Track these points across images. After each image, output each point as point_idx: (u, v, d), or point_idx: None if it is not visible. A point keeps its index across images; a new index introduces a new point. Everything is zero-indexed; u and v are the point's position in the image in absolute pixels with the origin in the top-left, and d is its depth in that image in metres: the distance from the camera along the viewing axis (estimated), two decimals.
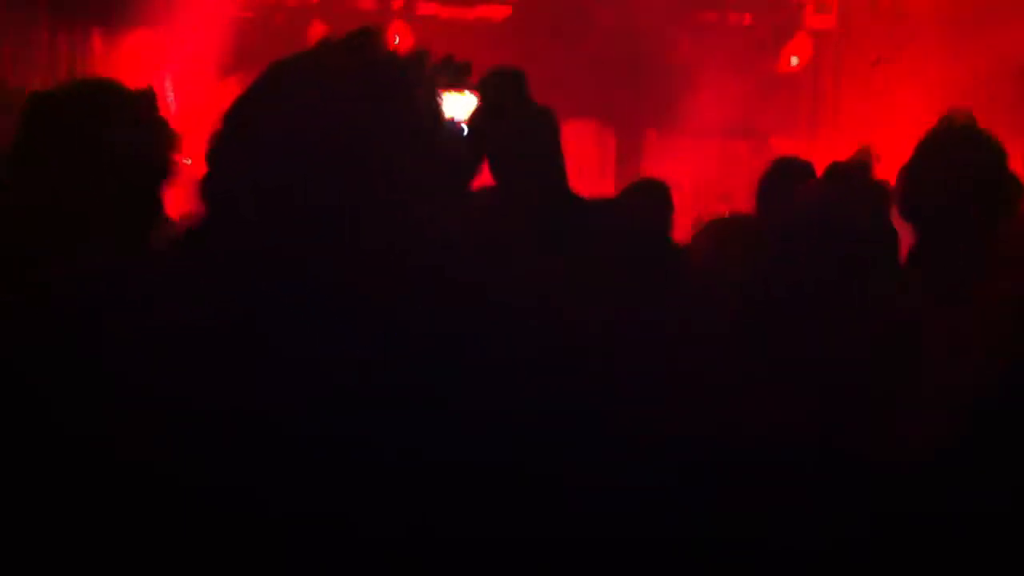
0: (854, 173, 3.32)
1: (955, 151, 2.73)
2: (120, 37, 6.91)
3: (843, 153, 7.83)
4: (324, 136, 1.17)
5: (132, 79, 7.01)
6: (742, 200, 5.83)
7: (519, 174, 1.43)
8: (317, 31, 9.41)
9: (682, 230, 7.09)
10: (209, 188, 1.23)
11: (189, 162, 6.61)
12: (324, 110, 1.19)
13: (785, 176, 4.28)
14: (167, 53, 7.22)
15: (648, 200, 4.13)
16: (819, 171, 7.53)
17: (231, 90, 7.13)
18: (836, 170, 3.44)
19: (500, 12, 9.82)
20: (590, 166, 9.55)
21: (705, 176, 8.11)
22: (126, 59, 7.00)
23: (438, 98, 1.31)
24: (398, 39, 9.55)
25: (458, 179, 1.30)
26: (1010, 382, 1.55)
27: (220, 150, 1.22)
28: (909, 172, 2.79)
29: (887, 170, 7.76)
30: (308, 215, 1.16)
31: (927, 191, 2.71)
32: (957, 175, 2.65)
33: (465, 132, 1.39)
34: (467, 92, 1.41)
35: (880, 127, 9.08)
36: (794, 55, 9.44)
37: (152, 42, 7.10)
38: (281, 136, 1.19)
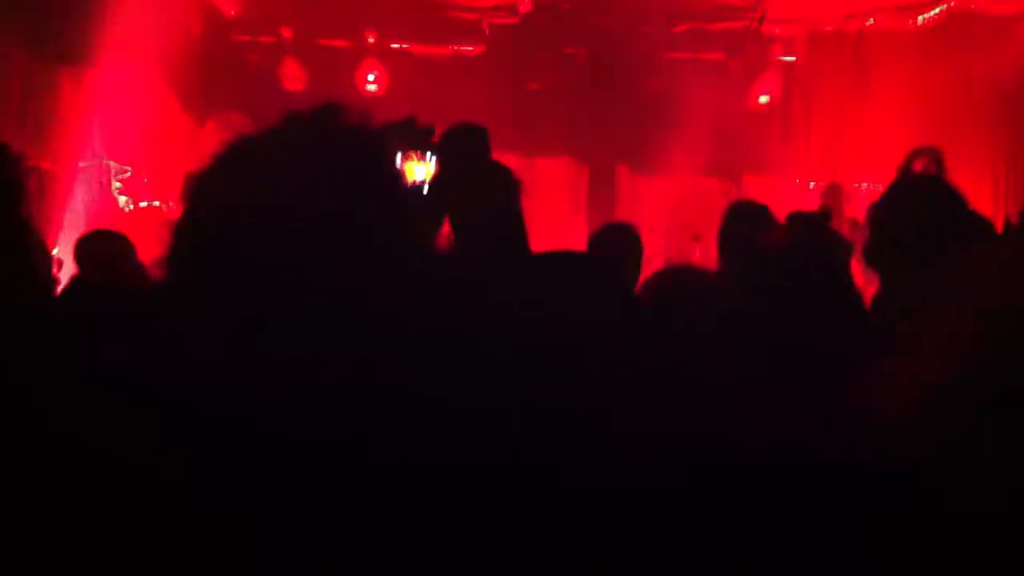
0: (814, 223, 3.36)
1: (913, 203, 2.77)
2: (89, 74, 6.91)
3: (813, 191, 7.92)
4: (290, 210, 1.18)
5: (103, 116, 7.01)
6: (714, 238, 5.87)
7: (477, 231, 1.44)
8: (290, 69, 9.44)
9: (653, 269, 7.13)
10: (173, 260, 1.23)
11: (157, 204, 6.54)
12: (289, 185, 1.20)
13: (744, 223, 4.32)
14: (139, 90, 7.21)
15: (617, 244, 4.16)
16: (790, 206, 7.59)
17: (209, 128, 7.13)
18: (797, 220, 3.48)
19: (474, 49, 9.88)
20: (563, 203, 9.59)
21: (677, 214, 8.15)
22: (95, 96, 6.99)
23: (401, 165, 1.33)
24: (372, 76, 9.59)
25: (420, 237, 1.31)
26: (976, 419, 1.56)
27: (185, 227, 1.23)
28: (870, 224, 2.84)
29: (856, 207, 7.83)
30: (274, 293, 1.17)
31: (887, 242, 2.75)
32: (916, 226, 2.68)
33: (426, 191, 1.41)
34: (429, 154, 1.43)
35: (850, 162, 9.18)
36: (764, 93, 9.53)
37: (123, 79, 7.10)
38: (246, 211, 1.20)
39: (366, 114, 1.27)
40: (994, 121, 8.62)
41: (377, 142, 1.27)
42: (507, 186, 1.42)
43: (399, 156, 1.39)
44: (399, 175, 1.30)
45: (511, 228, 1.40)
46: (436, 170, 1.38)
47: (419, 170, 1.41)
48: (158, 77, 7.28)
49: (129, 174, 7.03)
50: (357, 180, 1.22)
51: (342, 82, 9.49)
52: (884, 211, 2.87)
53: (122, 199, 6.91)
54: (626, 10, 9.09)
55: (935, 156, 7.04)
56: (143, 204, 7.08)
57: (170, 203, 7.33)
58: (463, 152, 1.40)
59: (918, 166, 7.01)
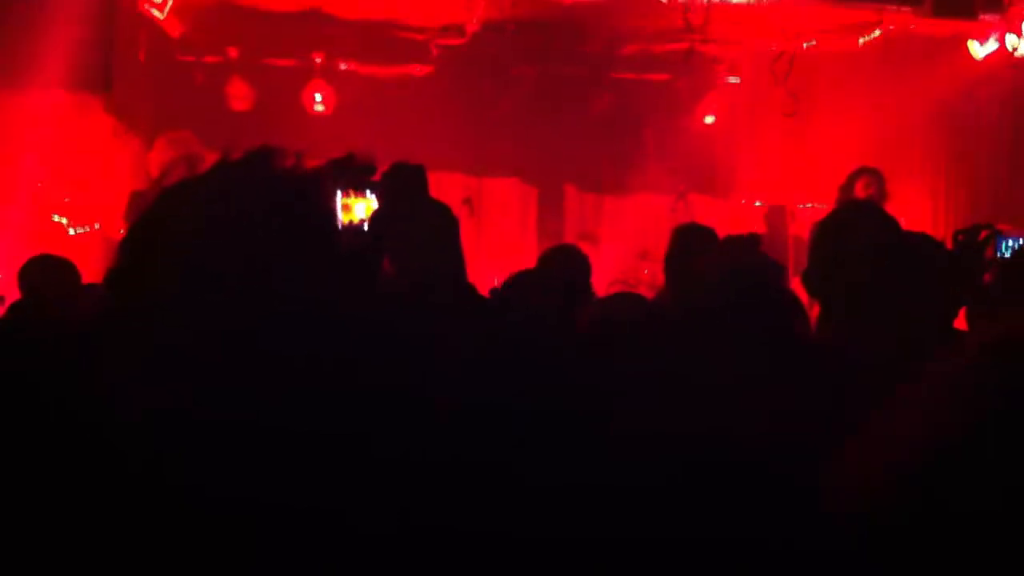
0: (746, 246, 3.42)
1: (848, 232, 2.84)
2: (29, 96, 6.83)
3: (758, 211, 8.02)
4: (225, 255, 1.21)
5: (49, 139, 6.92)
6: (661, 256, 5.93)
7: (417, 268, 1.45)
8: (237, 89, 9.39)
9: (602, 287, 7.17)
10: (112, 305, 1.26)
11: (98, 226, 6.44)
12: (223, 231, 1.22)
13: (689, 245, 4.39)
14: (84, 113, 7.14)
15: (565, 266, 4.20)
16: (736, 225, 7.67)
17: (158, 149, 7.03)
18: (731, 243, 3.55)
19: (421, 69, 9.89)
20: (512, 223, 9.62)
21: (624, 233, 8.22)
22: (37, 119, 6.91)
23: (337, 205, 1.35)
24: (320, 97, 9.56)
25: (360, 276, 1.34)
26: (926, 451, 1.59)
27: (120, 275, 1.25)
28: (809, 255, 2.90)
29: (801, 227, 7.94)
30: (210, 334, 1.19)
31: (826, 272, 2.81)
32: (851, 257, 2.75)
33: (366, 229, 1.43)
34: (369, 192, 1.44)
35: (794, 182, 9.31)
36: (710, 113, 9.65)
37: (68, 102, 7.02)
38: (183, 256, 1.22)
39: (300, 155, 1.28)
40: (934, 140, 8.80)
41: (308, 186, 1.29)
42: (446, 223, 1.43)
43: (339, 195, 1.41)
44: (332, 216, 1.32)
45: (450, 264, 1.42)
46: (376, 208, 1.38)
47: (359, 208, 1.42)
48: (103, 98, 7.21)
49: (68, 200, 6.96)
50: (288, 224, 1.24)
51: (289, 102, 9.46)
52: (820, 239, 2.93)
53: (63, 222, 6.83)
54: (573, 32, 9.16)
55: (876, 177, 7.20)
56: (83, 229, 6.99)
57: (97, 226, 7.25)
58: (402, 190, 1.41)
59: (860, 186, 7.15)
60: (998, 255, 3.21)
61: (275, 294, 1.20)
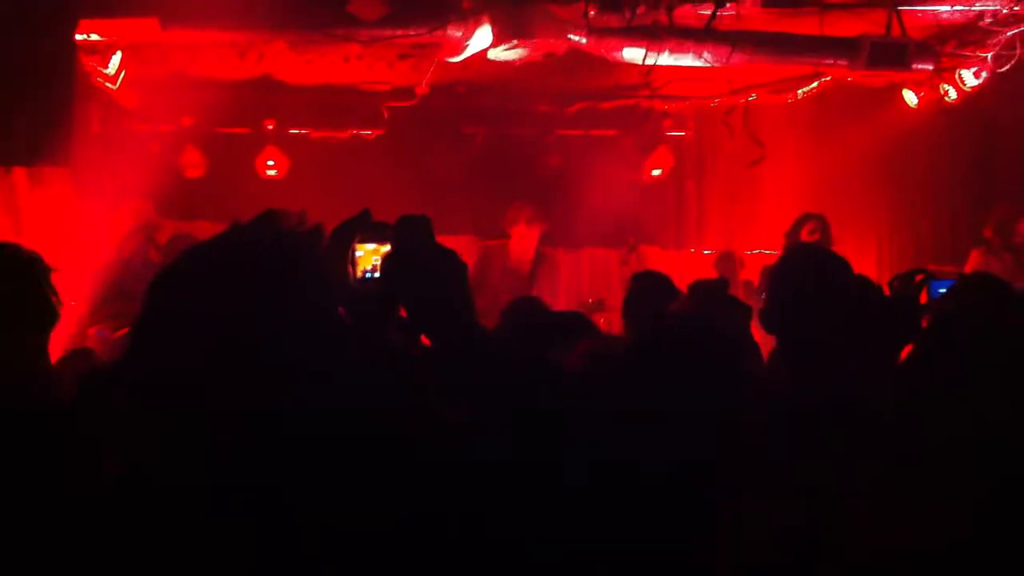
0: (714, 290, 3.54)
1: (802, 272, 2.98)
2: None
3: (708, 258, 8.15)
4: (240, 295, 1.33)
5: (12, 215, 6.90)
6: (615, 306, 6.06)
7: (428, 314, 1.56)
8: (191, 157, 9.45)
9: None
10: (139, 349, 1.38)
11: (75, 303, 6.40)
12: (239, 276, 1.35)
13: (647, 294, 4.51)
14: (45, 187, 7.17)
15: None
16: (686, 273, 7.80)
17: (118, 218, 7.03)
18: (698, 289, 3.67)
19: (372, 132, 10.01)
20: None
21: (578, 285, 8.34)
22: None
23: (343, 258, 1.50)
24: (272, 162, 9.64)
25: (373, 322, 1.47)
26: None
27: (144, 327, 1.38)
28: (766, 294, 3.03)
29: (750, 272, 8.09)
30: (232, 381, 1.31)
31: (781, 309, 2.94)
32: (806, 294, 2.89)
33: (380, 275, 1.56)
34: (380, 243, 1.58)
35: (742, 229, 9.51)
36: (657, 166, 9.85)
37: (27, 178, 7.05)
38: (206, 305, 1.34)
39: (303, 214, 1.44)
40: (875, 186, 9.04)
41: (311, 240, 1.44)
42: (455, 267, 1.53)
43: (354, 246, 1.56)
44: (339, 266, 1.47)
45: (461, 305, 1.52)
46: (389, 255, 1.51)
47: (374, 258, 1.55)
48: (60, 170, 7.24)
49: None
50: (292, 274, 1.38)
51: (242, 168, 9.53)
52: (777, 279, 3.06)
53: None
54: (520, 92, 9.34)
55: (821, 222, 7.39)
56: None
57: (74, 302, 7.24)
58: (412, 238, 1.52)
59: (806, 232, 7.34)
60: (932, 298, 3.37)
61: (277, 324, 1.31)
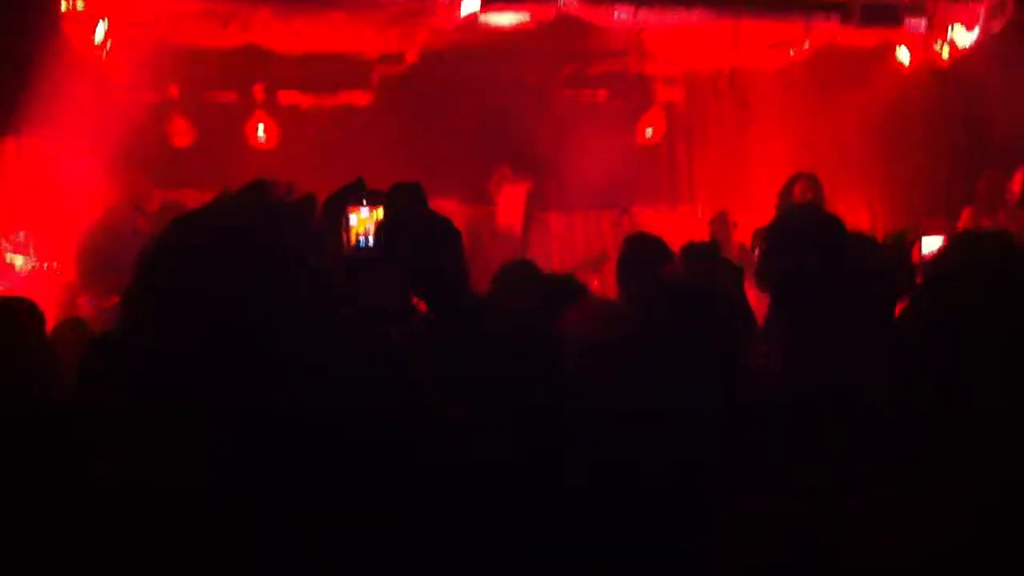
0: (708, 252, 3.53)
1: (795, 231, 2.98)
2: None
3: (701, 220, 8.13)
4: (232, 273, 1.31)
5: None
6: (609, 270, 6.05)
7: (423, 279, 1.56)
8: (178, 125, 9.39)
9: None
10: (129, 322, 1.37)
11: (56, 265, 6.39)
12: (229, 251, 1.33)
13: (641, 255, 4.50)
14: (26, 153, 7.12)
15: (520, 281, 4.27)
16: (679, 235, 7.78)
17: (105, 187, 7.02)
18: (691, 250, 3.66)
19: (363, 98, 9.95)
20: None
21: (572, 248, 8.32)
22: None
23: (337, 225, 1.49)
24: (261, 129, 9.58)
25: (364, 286, 1.47)
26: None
27: (134, 296, 1.36)
28: (762, 251, 3.02)
29: (743, 233, 8.06)
30: (221, 344, 1.29)
31: (777, 268, 2.94)
32: (801, 253, 2.88)
33: (373, 243, 1.56)
34: (374, 209, 1.57)
35: (734, 191, 9.48)
36: (649, 127, 9.80)
37: (14, 148, 7.01)
38: (188, 277, 1.32)
39: (292, 184, 1.42)
40: (867, 146, 9.00)
41: (300, 210, 1.42)
42: (450, 234, 1.53)
43: (347, 214, 1.55)
44: (333, 234, 1.46)
45: (456, 272, 1.52)
46: (383, 223, 1.51)
47: (368, 226, 1.55)
48: (48, 140, 7.20)
49: (22, 236, 6.91)
50: (285, 246, 1.36)
51: (231, 136, 9.47)
52: (773, 238, 3.05)
53: (18, 260, 6.79)
54: (511, 57, 9.28)
55: (812, 181, 7.37)
56: (37, 265, 6.94)
57: (55, 263, 7.21)
58: (406, 205, 1.51)
59: (798, 192, 7.32)
60: (923, 255, 3.38)
61: (271, 310, 1.30)
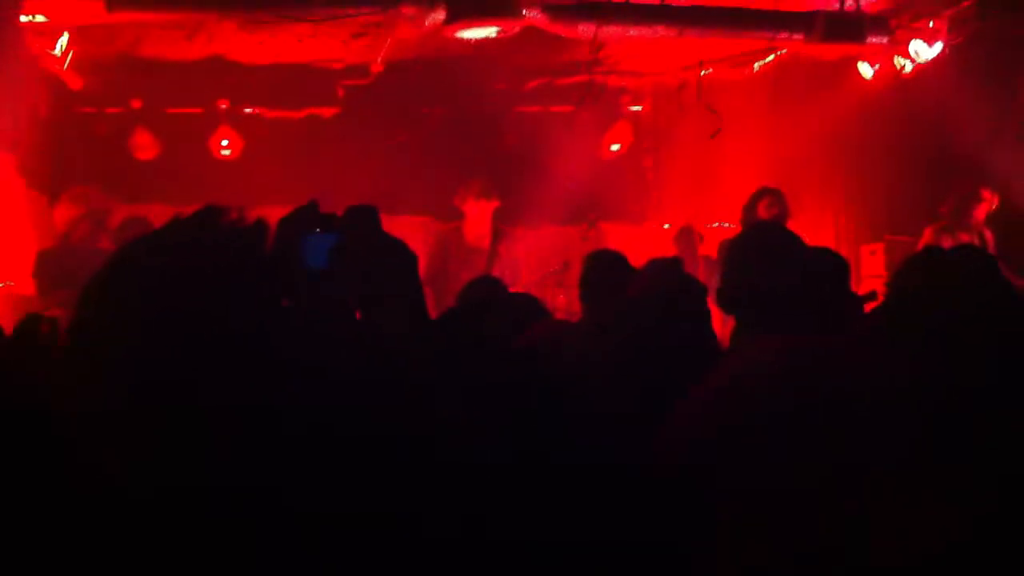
0: (670, 268, 3.54)
1: (759, 251, 2.98)
2: None
3: (667, 233, 8.14)
4: (181, 304, 1.30)
5: None
6: (575, 283, 6.03)
7: (379, 302, 1.54)
8: (142, 139, 9.31)
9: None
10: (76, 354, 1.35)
11: (12, 284, 6.31)
12: (179, 281, 1.32)
13: (599, 270, 4.51)
14: None
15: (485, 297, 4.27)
16: (646, 249, 7.78)
17: (63, 203, 6.92)
18: (653, 268, 3.66)
19: (328, 111, 9.91)
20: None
21: (540, 262, 8.31)
22: None
23: (290, 251, 1.48)
24: (226, 142, 9.52)
25: (325, 313, 1.45)
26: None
27: (83, 322, 1.35)
28: (721, 274, 3.03)
29: (710, 247, 8.09)
30: (170, 381, 1.28)
31: (739, 288, 2.94)
32: (761, 273, 2.89)
33: (330, 266, 1.54)
34: (330, 234, 1.55)
35: (701, 204, 9.53)
36: (615, 142, 9.83)
37: None
38: (143, 306, 1.31)
39: (242, 210, 1.41)
40: (832, 160, 9.08)
41: (254, 235, 1.41)
42: (405, 257, 1.53)
43: (301, 238, 1.52)
44: (281, 259, 1.44)
45: (408, 294, 1.51)
46: (339, 247, 1.49)
47: (322, 249, 1.52)
48: (7, 154, 7.10)
49: None
50: (236, 270, 1.34)
51: (196, 149, 9.40)
52: (731, 260, 3.06)
53: None
54: (477, 69, 9.28)
55: (777, 197, 7.41)
56: None
57: (10, 283, 7.12)
58: (361, 229, 1.50)
59: (762, 207, 7.35)
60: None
61: (225, 337, 1.28)
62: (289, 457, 1.27)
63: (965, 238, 7.09)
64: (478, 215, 7.52)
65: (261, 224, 1.43)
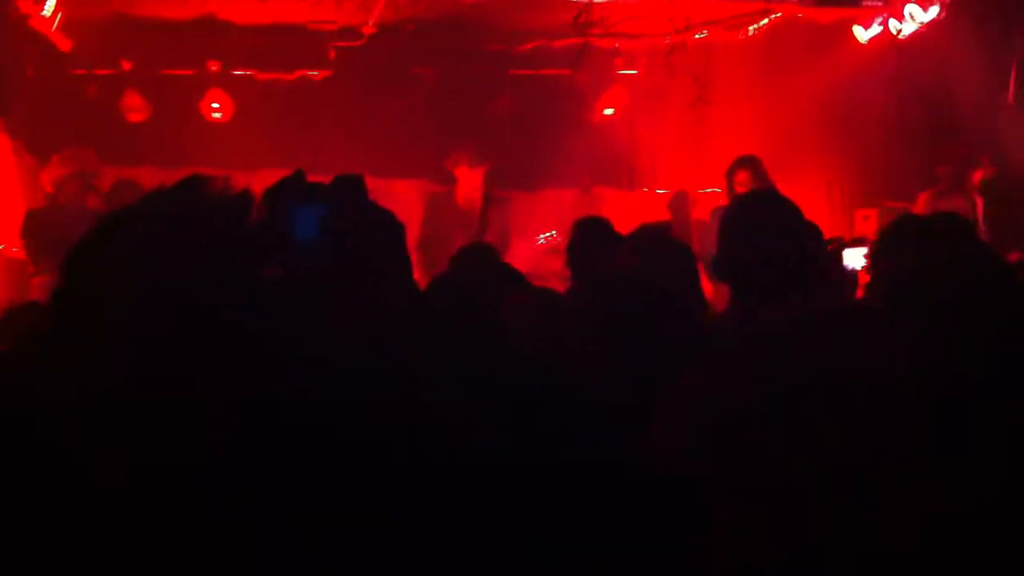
0: (659, 235, 3.51)
1: (754, 219, 2.95)
2: None
3: (661, 198, 8.10)
4: (168, 280, 1.27)
5: None
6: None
7: (368, 272, 1.52)
8: (132, 100, 9.23)
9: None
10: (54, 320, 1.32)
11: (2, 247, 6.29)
12: (165, 257, 1.29)
13: (586, 238, 4.50)
14: None
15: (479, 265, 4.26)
16: (639, 214, 7.75)
17: (53, 164, 6.87)
18: (643, 233, 3.64)
19: (319, 73, 9.82)
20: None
21: (534, 228, 8.29)
22: None
23: (277, 221, 1.46)
24: (217, 104, 9.44)
25: (313, 284, 1.43)
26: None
27: (62, 295, 1.32)
28: (718, 243, 3.00)
29: (704, 211, 8.06)
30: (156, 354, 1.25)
31: (734, 258, 2.91)
32: (758, 242, 2.86)
33: (320, 235, 1.52)
34: (321, 205, 1.53)
35: (695, 169, 9.49)
36: (609, 106, 9.76)
37: None
38: (130, 283, 1.28)
39: (228, 179, 1.38)
40: (825, 123, 9.04)
41: (240, 206, 1.38)
42: (393, 227, 1.51)
43: (291, 209, 1.50)
44: (269, 230, 1.42)
45: (400, 263, 1.50)
46: (325, 217, 1.47)
47: (312, 219, 1.51)
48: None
49: None
50: (223, 243, 1.32)
51: (186, 111, 9.33)
52: (727, 228, 3.03)
53: None
54: (470, 31, 9.20)
55: (754, 165, 7.27)
56: None
57: (13, 247, 7.09)
58: (348, 199, 1.49)
59: (740, 177, 7.21)
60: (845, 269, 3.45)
61: (209, 311, 1.26)
62: (282, 449, 1.25)
63: (959, 203, 7.06)
64: (468, 179, 7.50)
65: (245, 194, 1.40)
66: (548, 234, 7.91)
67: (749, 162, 7.13)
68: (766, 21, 8.81)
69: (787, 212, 2.98)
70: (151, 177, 7.77)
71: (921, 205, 7.43)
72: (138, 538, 1.21)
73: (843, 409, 1.43)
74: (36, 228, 6.65)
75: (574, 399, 1.61)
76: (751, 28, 9.00)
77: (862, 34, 8.52)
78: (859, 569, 1.32)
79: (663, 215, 8.60)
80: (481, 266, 3.78)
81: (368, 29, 9.00)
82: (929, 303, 1.54)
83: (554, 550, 1.39)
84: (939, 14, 7.77)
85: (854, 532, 1.34)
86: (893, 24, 8.13)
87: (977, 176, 7.40)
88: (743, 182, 7.01)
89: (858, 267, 3.48)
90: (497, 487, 1.38)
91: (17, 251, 6.95)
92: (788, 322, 1.77)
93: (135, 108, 9.26)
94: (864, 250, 3.35)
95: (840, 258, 3.49)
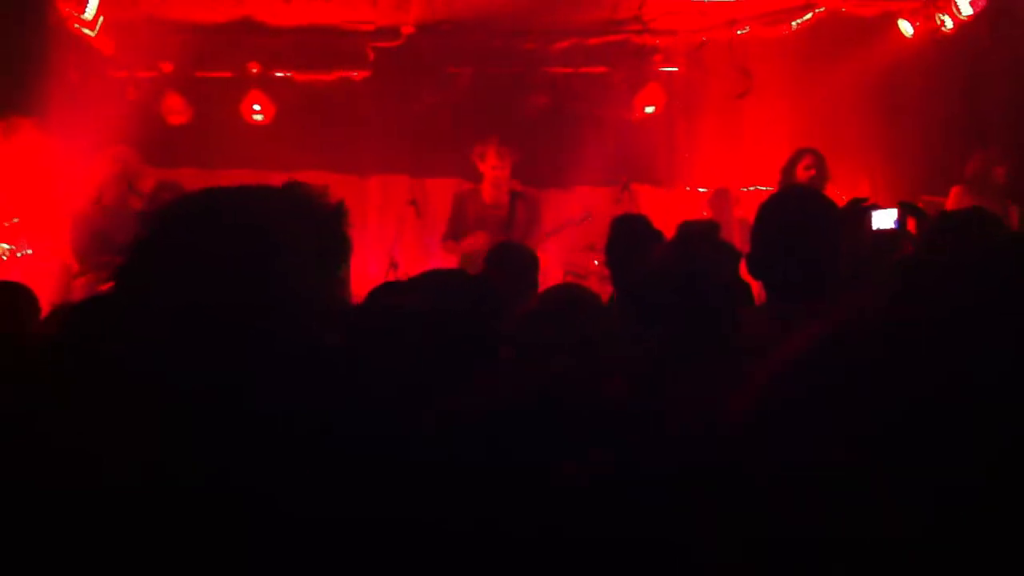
0: (704, 233, 3.47)
1: (789, 216, 2.91)
2: None
3: (701, 196, 8.04)
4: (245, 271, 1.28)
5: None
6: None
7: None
8: (173, 103, 9.30)
9: (556, 279, 7.18)
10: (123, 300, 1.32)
11: (30, 251, 6.30)
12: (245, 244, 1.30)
13: (625, 235, 4.45)
14: (20, 137, 7.03)
15: (513, 263, 4.24)
16: (680, 212, 7.69)
17: (97, 165, 6.93)
18: (687, 231, 3.60)
19: (358, 73, 9.85)
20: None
21: (571, 226, 8.23)
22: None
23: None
24: (258, 107, 9.49)
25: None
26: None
27: (129, 272, 1.30)
28: (752, 240, 2.96)
29: (745, 210, 8.00)
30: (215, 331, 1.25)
31: (770, 256, 2.88)
32: (794, 240, 2.82)
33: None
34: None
35: (736, 166, 9.40)
36: (648, 103, 9.69)
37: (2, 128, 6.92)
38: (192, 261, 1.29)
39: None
40: (868, 119, 8.94)
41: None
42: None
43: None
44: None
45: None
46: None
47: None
48: (37, 121, 7.09)
49: (16, 223, 6.83)
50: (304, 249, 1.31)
51: (227, 113, 9.38)
52: (759, 226, 2.99)
53: (3, 247, 6.69)
54: (507, 29, 9.18)
55: (816, 157, 7.30)
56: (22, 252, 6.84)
57: (28, 249, 7.13)
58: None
59: (801, 168, 7.25)
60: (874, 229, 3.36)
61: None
62: (284, 452, 1.23)
63: (988, 202, 6.96)
64: (494, 175, 7.51)
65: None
66: (585, 216, 7.86)
67: (812, 152, 7.23)
68: (809, 16, 8.71)
69: (822, 210, 2.94)
70: (192, 179, 7.83)
71: (953, 199, 7.37)
72: (138, 538, 1.20)
73: (847, 410, 1.39)
74: (81, 231, 6.71)
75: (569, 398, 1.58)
76: (794, 23, 8.90)
77: (907, 28, 8.40)
78: (857, 568, 1.29)
79: (704, 213, 8.54)
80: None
81: (406, 29, 9.01)
82: (952, 300, 1.50)
83: (553, 551, 1.37)
84: (984, 5, 7.65)
85: (853, 529, 1.31)
86: (938, 17, 8.02)
87: (1001, 172, 7.33)
88: (809, 164, 7.09)
89: (885, 228, 3.41)
90: (495, 489, 1.35)
91: (63, 256, 7.01)
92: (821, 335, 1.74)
93: (176, 110, 9.33)
94: (894, 212, 3.30)
95: (870, 219, 3.43)
